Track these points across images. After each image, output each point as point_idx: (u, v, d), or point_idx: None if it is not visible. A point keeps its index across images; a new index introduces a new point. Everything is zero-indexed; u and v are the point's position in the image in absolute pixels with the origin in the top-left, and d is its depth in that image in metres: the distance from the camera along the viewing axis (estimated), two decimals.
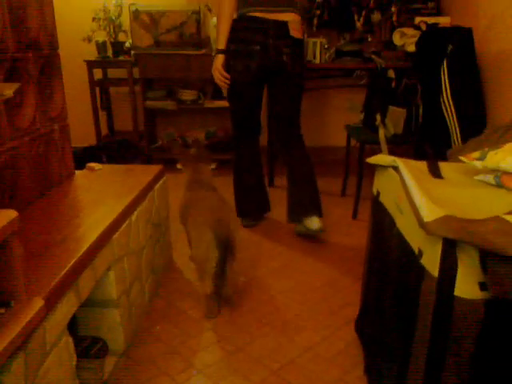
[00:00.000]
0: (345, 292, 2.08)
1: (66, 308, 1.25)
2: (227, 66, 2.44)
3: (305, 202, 2.55)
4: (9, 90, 1.07)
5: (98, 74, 3.78)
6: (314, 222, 2.51)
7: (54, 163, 1.90)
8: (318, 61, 3.36)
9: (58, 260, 1.31)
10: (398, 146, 2.70)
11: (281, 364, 1.65)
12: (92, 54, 3.68)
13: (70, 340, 1.28)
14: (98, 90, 3.80)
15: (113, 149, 3.56)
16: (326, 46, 3.40)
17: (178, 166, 3.66)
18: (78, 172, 2.10)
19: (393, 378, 1.30)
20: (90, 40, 3.59)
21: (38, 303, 1.09)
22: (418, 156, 2.73)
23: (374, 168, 1.53)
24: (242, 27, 2.41)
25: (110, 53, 3.70)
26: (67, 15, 3.42)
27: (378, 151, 2.52)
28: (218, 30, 2.43)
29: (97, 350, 1.48)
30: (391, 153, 2.46)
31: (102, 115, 3.88)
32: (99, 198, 1.81)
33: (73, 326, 1.46)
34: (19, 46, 1.65)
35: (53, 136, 1.89)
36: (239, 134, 2.68)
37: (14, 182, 1.62)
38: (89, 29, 3.57)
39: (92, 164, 2.18)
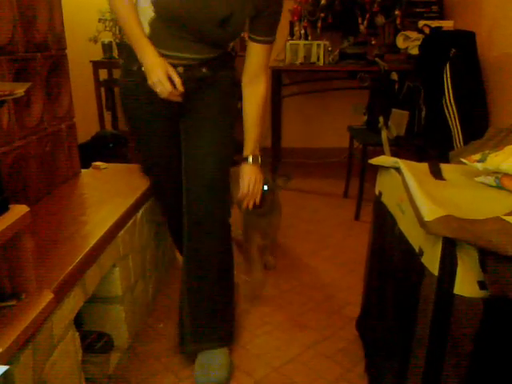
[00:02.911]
0: (347, 292, 2.10)
1: (73, 302, 1.28)
2: None
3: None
4: (20, 89, 1.10)
5: (103, 74, 3.80)
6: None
7: (60, 162, 1.93)
8: (321, 63, 3.39)
9: (66, 256, 1.33)
10: (401, 148, 2.72)
11: (282, 361, 1.67)
12: (98, 54, 3.71)
13: (77, 334, 1.30)
14: (103, 90, 3.83)
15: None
16: (330, 49, 3.43)
17: None
18: (83, 171, 2.13)
19: (393, 376, 1.31)
20: (96, 41, 3.62)
21: (48, 296, 1.11)
22: (420, 158, 2.75)
23: (376, 169, 1.55)
24: None
25: (115, 53, 3.73)
26: (74, 16, 3.43)
27: (381, 153, 2.54)
28: None
29: (102, 345, 1.50)
30: (393, 154, 2.49)
31: (107, 115, 3.91)
32: (105, 196, 1.84)
33: (79, 322, 1.49)
34: (28, 46, 1.67)
35: (60, 135, 1.91)
36: None
37: (23, 180, 1.65)
38: (95, 30, 3.59)
39: (98, 163, 2.21)
